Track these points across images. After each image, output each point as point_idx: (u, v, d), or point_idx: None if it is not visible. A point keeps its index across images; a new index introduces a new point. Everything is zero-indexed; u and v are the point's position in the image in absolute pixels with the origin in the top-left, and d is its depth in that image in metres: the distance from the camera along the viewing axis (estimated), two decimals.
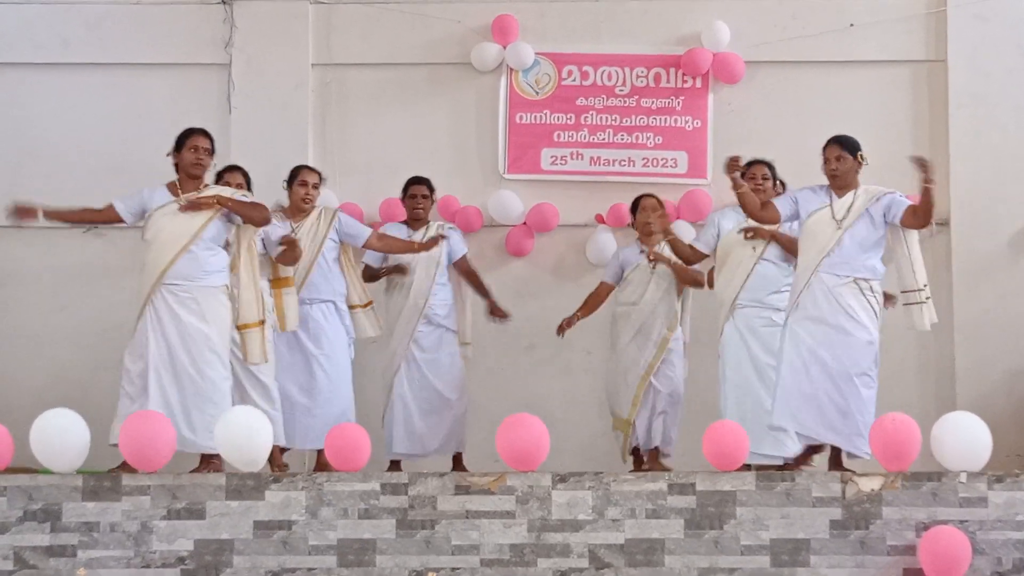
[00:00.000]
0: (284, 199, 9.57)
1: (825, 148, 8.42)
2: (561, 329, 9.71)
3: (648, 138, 10.96)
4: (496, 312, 9.91)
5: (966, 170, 10.69)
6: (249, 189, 9.23)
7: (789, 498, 7.44)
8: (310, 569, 7.44)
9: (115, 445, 7.93)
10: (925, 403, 10.31)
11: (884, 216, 8.26)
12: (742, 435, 7.78)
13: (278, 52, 10.96)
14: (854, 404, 8.16)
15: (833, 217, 8.28)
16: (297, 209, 9.51)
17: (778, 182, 9.24)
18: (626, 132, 10.96)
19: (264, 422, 7.77)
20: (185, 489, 7.51)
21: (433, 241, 9.59)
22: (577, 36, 11.05)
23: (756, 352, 8.98)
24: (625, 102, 10.99)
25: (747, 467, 8.19)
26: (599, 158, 10.94)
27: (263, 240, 9.09)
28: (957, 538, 7.29)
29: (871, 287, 8.26)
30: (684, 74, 10.97)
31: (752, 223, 8.80)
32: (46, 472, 7.68)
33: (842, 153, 8.36)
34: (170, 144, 8.65)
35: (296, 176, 9.56)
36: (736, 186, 8.37)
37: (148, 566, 7.45)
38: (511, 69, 11.00)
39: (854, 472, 7.61)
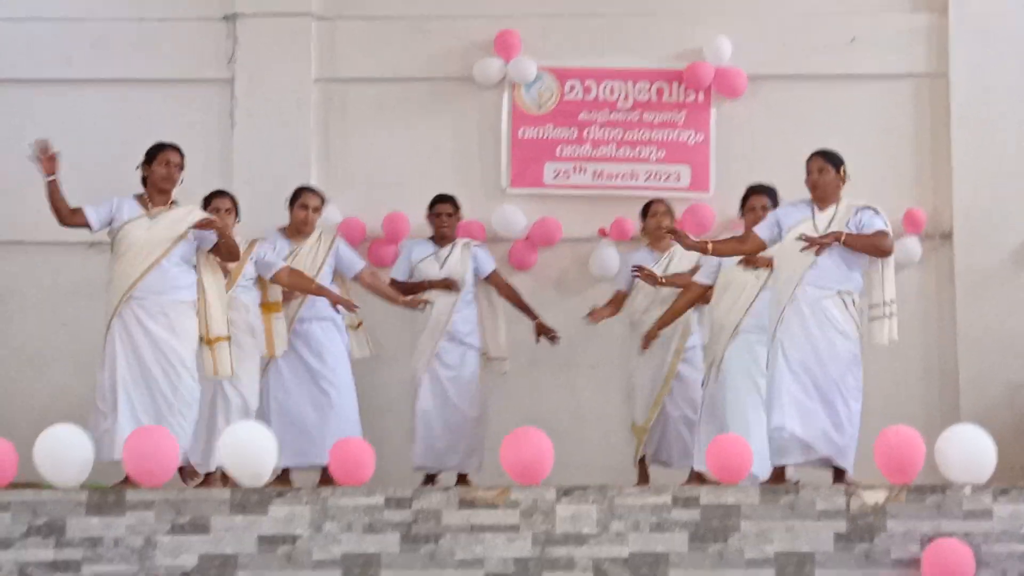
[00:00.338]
0: (284, 219, 9.61)
1: (809, 160, 8.49)
2: (593, 316, 9.67)
3: (651, 152, 10.97)
4: (543, 331, 9.90)
5: (968, 184, 10.69)
6: (237, 215, 9.28)
7: (793, 511, 7.43)
8: None
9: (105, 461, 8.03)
10: (929, 415, 10.29)
11: (859, 229, 8.29)
12: (746, 448, 7.77)
13: (281, 68, 10.97)
14: (844, 417, 8.18)
15: (815, 230, 8.30)
16: (296, 231, 9.57)
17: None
18: (629, 146, 10.98)
19: (269, 437, 7.77)
20: (189, 504, 7.50)
21: (416, 301, 9.65)
22: (579, 51, 11.06)
23: (757, 377, 8.95)
24: (628, 116, 11.01)
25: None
26: (602, 172, 10.96)
27: (256, 262, 9.13)
28: (962, 551, 7.28)
29: (853, 301, 8.30)
30: (686, 88, 10.98)
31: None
32: (50, 487, 7.67)
33: (825, 165, 8.41)
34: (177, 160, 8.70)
35: (298, 198, 9.62)
36: (703, 250, 8.55)
37: None
38: (514, 84, 11.01)
39: (858, 485, 7.60)
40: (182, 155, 8.74)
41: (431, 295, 9.74)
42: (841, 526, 7.40)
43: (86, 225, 8.67)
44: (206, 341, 8.66)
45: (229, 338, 8.78)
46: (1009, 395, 10.32)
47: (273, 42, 10.98)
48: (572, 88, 11.05)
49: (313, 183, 10.26)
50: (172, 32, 11.05)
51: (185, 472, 8.61)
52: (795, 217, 8.45)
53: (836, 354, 8.19)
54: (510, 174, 10.98)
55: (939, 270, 10.70)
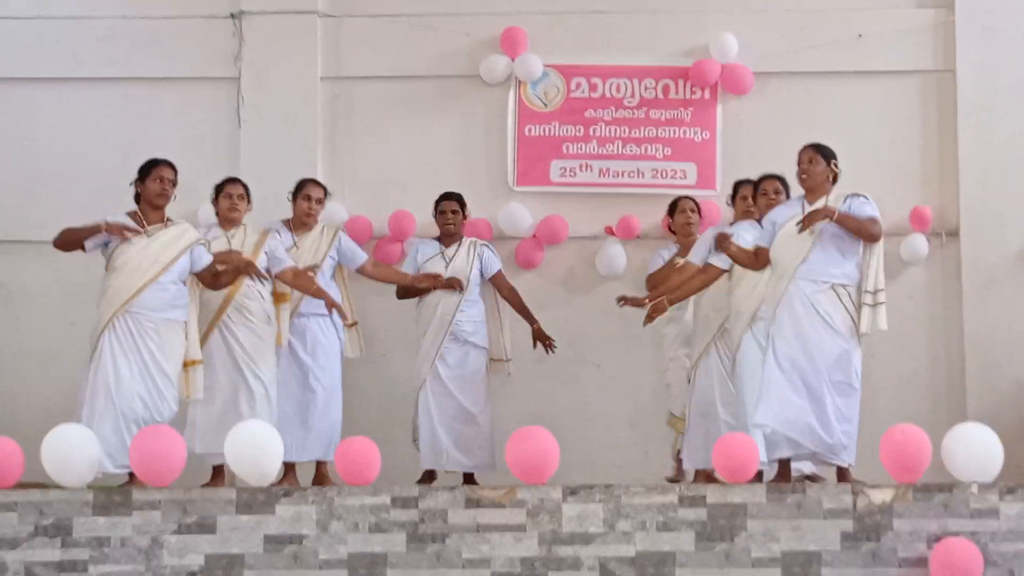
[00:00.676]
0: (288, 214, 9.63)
1: (800, 152, 8.55)
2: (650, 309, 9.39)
3: (657, 150, 10.95)
4: (541, 338, 9.85)
5: (975, 180, 10.67)
6: (249, 201, 9.32)
7: (800, 510, 7.43)
8: None
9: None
10: (935, 414, 10.28)
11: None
12: (752, 447, 7.77)
13: (287, 66, 10.97)
14: (833, 414, 8.17)
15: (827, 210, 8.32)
16: (299, 223, 9.56)
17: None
18: (635, 144, 10.96)
19: (275, 436, 7.78)
20: (196, 504, 7.52)
21: (428, 277, 9.63)
22: (586, 48, 11.05)
23: None
24: (634, 114, 10.99)
25: (759, 475, 8.19)
26: (608, 170, 10.94)
27: (267, 254, 9.14)
28: (969, 550, 7.28)
29: (848, 293, 8.29)
30: (693, 86, 10.97)
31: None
32: (57, 487, 7.68)
33: (815, 156, 8.48)
34: (180, 157, 8.72)
35: (301, 189, 9.61)
36: (727, 249, 8.66)
37: None
38: (520, 81, 11.00)
39: (865, 484, 7.60)
40: (175, 171, 8.81)
41: (436, 295, 9.70)
42: (848, 525, 7.41)
43: (80, 248, 8.76)
44: (185, 363, 8.79)
45: (202, 361, 8.90)
46: (1016, 393, 10.31)
47: (279, 40, 10.97)
48: (578, 85, 11.04)
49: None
50: (179, 30, 11.05)
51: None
52: (786, 214, 8.53)
53: (825, 351, 8.20)
54: (516, 172, 10.97)
55: (945, 267, 10.68)
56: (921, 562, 7.34)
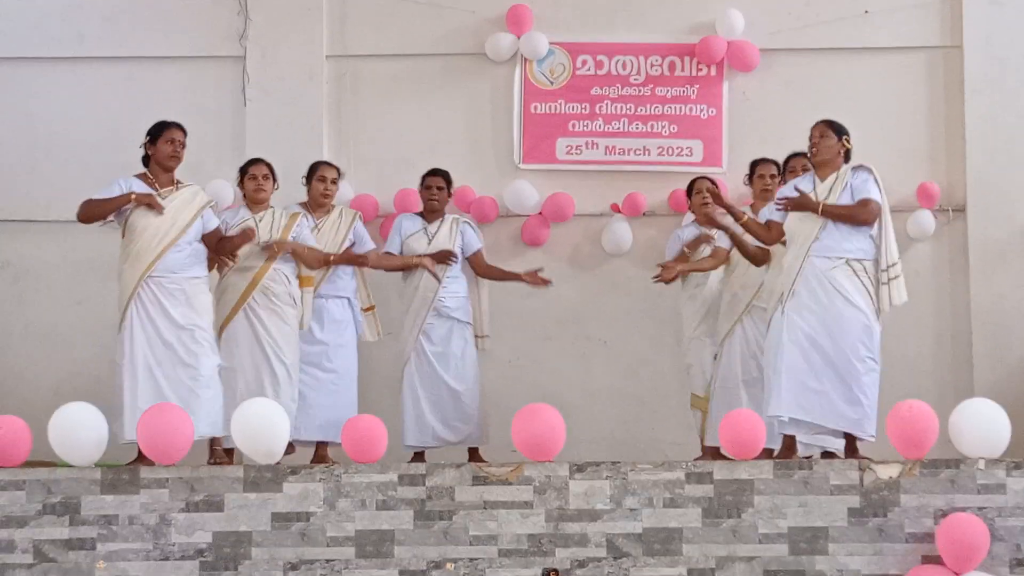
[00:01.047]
0: (297, 195, 9.61)
1: (812, 128, 8.49)
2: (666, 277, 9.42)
3: (663, 127, 10.94)
4: (533, 279, 9.74)
5: (982, 156, 10.65)
6: (275, 180, 9.31)
7: (807, 486, 7.44)
8: (328, 560, 7.46)
9: (131, 442, 8.05)
10: (942, 390, 10.28)
11: (854, 189, 8.26)
12: (759, 423, 7.77)
13: (292, 44, 10.96)
14: (857, 389, 8.13)
15: (816, 199, 8.27)
16: (317, 204, 9.55)
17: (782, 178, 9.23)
18: (641, 121, 10.95)
19: (281, 413, 7.79)
20: (203, 481, 7.53)
21: (433, 257, 9.60)
22: (591, 25, 11.02)
23: None
24: (640, 91, 10.97)
25: (768, 452, 8.18)
26: (614, 147, 10.93)
27: (295, 239, 9.13)
28: (975, 525, 7.29)
29: (864, 268, 8.24)
30: (699, 62, 10.94)
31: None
32: (65, 465, 7.70)
33: (826, 131, 8.42)
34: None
35: (315, 171, 9.60)
36: (738, 219, 8.59)
37: (167, 558, 7.48)
38: (525, 59, 10.99)
39: (872, 460, 7.60)
40: (185, 133, 8.76)
41: (418, 273, 9.64)
42: (855, 501, 7.42)
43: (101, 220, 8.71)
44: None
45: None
46: (1023, 368, 10.30)
47: (285, 19, 10.96)
48: (584, 63, 11.02)
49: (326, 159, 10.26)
50: (184, 9, 11.04)
51: (215, 446, 8.64)
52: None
53: (845, 326, 8.15)
54: (522, 150, 10.96)
55: (952, 243, 10.66)
56: (928, 537, 7.35)
